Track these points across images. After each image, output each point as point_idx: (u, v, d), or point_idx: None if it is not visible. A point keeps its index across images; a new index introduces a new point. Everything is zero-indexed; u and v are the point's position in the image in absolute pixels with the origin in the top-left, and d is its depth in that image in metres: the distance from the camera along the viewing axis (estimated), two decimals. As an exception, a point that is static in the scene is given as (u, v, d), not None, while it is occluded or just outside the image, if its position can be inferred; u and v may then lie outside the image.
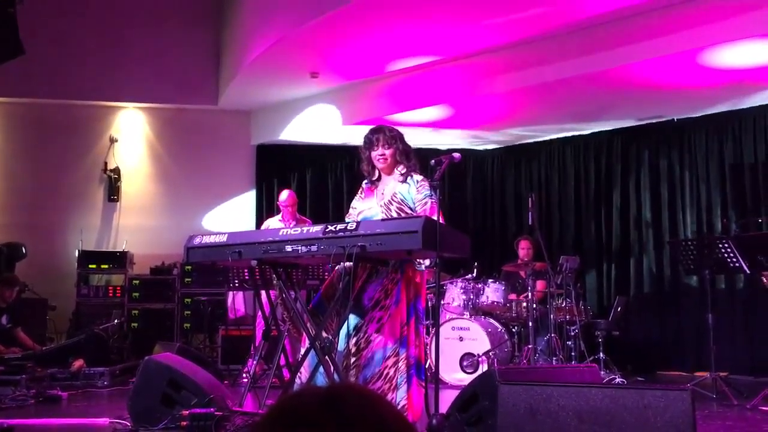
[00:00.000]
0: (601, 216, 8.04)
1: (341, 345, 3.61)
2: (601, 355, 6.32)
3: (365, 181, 3.98)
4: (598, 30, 5.93)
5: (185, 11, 8.41)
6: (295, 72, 7.10)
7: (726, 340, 6.49)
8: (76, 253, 7.74)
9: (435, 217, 3.46)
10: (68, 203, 8.21)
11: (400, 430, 0.79)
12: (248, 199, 8.68)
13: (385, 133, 3.82)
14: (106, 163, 8.29)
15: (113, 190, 8.25)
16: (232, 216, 8.51)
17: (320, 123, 7.97)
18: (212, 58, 8.40)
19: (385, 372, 3.55)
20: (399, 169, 3.82)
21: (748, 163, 7.05)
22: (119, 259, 7.78)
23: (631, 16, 5.71)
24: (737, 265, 5.22)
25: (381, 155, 3.80)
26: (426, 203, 3.71)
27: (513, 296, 6.78)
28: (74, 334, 6.95)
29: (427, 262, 3.69)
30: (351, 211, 3.96)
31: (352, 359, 3.59)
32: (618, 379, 5.99)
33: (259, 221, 7.93)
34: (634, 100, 6.91)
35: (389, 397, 3.50)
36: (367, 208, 3.84)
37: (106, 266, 7.74)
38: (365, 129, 4.03)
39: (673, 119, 7.49)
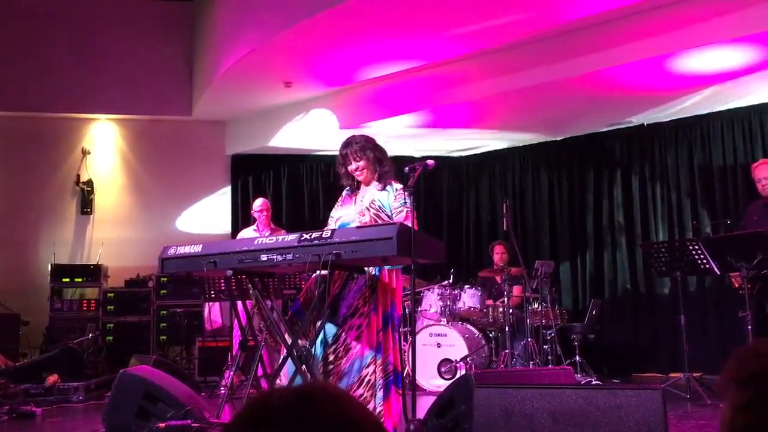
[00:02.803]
0: (574, 220, 8.13)
1: (317, 352, 3.61)
2: (577, 358, 6.39)
3: (346, 189, 4.00)
4: (569, 37, 6.02)
5: (157, 22, 8.38)
6: (269, 81, 7.10)
7: (699, 341, 6.59)
8: (49, 267, 7.64)
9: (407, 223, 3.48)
10: (40, 217, 8.11)
11: (370, 427, 0.80)
12: (224, 210, 8.64)
13: (352, 146, 3.82)
14: (78, 176, 8.20)
15: (86, 203, 8.17)
16: (208, 226, 8.46)
17: (295, 132, 7.98)
18: (185, 68, 8.37)
19: (366, 379, 3.56)
20: (377, 177, 3.85)
21: (717, 166, 7.18)
22: (93, 273, 7.69)
23: (600, 24, 5.81)
24: (707, 266, 5.31)
25: (355, 169, 3.82)
26: (401, 212, 3.73)
27: (489, 302, 6.82)
28: (48, 348, 6.86)
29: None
30: (329, 220, 3.98)
31: (330, 367, 3.59)
32: (594, 382, 6.05)
33: (235, 232, 7.91)
34: (605, 106, 7.01)
35: (370, 403, 3.51)
36: (345, 214, 3.87)
37: (79, 280, 7.65)
38: (338, 136, 4.04)
39: (644, 124, 7.62)
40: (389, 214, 3.75)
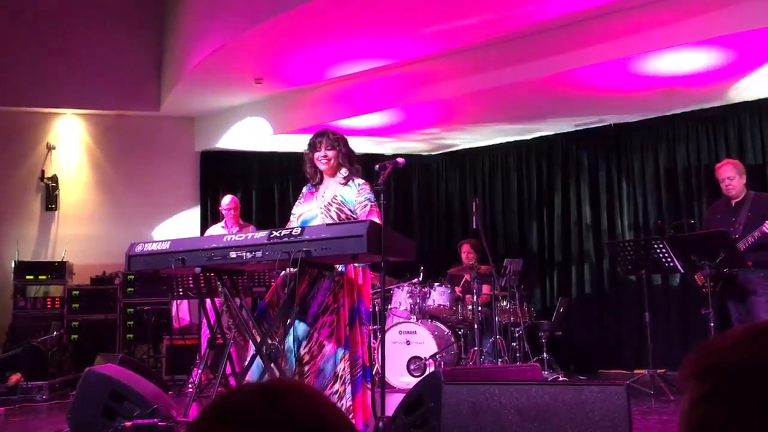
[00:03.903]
0: (543, 219, 8.22)
1: (291, 350, 3.60)
2: (545, 355, 6.46)
3: (306, 185, 4.02)
4: (537, 38, 6.08)
5: (125, 14, 8.24)
6: (239, 78, 7.04)
7: (663, 338, 6.71)
8: (12, 264, 7.49)
9: (376, 220, 3.50)
10: (3, 213, 7.93)
11: (338, 423, 0.80)
12: (192, 207, 8.55)
13: (328, 136, 3.89)
14: (43, 171, 8.04)
15: (51, 199, 8.01)
16: (176, 224, 8.37)
17: (265, 129, 7.92)
18: (154, 62, 8.26)
19: (339, 374, 3.58)
20: (341, 172, 3.87)
21: (681, 167, 7.32)
22: (58, 270, 7.56)
23: (567, 25, 5.87)
24: (672, 265, 5.41)
25: (324, 156, 3.85)
26: (366, 206, 3.76)
27: (458, 290, 6.87)
28: (11, 347, 6.73)
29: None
30: (291, 217, 3.98)
31: (306, 367, 3.59)
32: (561, 379, 6.12)
33: (204, 229, 7.83)
34: (573, 106, 7.10)
35: (344, 398, 3.52)
36: (306, 210, 3.88)
37: (44, 277, 7.50)
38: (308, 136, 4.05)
39: (611, 124, 7.73)
40: (352, 208, 3.78)
